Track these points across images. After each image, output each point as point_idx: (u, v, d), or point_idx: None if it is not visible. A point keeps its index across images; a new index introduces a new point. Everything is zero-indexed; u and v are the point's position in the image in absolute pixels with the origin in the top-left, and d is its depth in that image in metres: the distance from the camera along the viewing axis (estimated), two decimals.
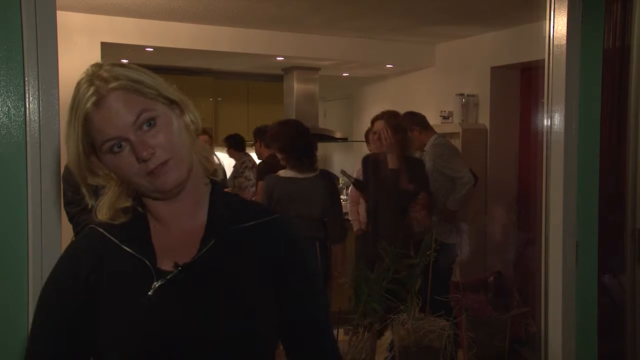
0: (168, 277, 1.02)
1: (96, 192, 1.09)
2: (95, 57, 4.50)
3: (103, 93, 0.99)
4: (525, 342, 2.76)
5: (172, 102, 1.05)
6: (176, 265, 1.03)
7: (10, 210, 1.59)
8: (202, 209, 1.09)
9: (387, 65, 5.93)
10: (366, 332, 2.22)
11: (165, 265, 1.04)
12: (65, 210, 2.99)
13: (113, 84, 0.99)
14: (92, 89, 0.99)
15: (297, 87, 5.99)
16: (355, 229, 4.70)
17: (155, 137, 0.99)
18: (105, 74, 1.00)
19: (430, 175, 3.85)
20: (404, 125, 3.57)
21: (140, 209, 1.09)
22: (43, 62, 1.59)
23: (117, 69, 1.01)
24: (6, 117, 1.58)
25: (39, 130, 1.60)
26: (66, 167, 2.94)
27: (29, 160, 1.59)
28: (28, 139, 1.59)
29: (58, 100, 1.63)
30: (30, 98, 1.59)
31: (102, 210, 1.08)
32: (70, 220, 3.05)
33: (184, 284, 1.02)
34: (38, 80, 1.59)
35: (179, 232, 1.08)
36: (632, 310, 2.37)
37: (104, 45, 4.54)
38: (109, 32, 4.53)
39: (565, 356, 2.25)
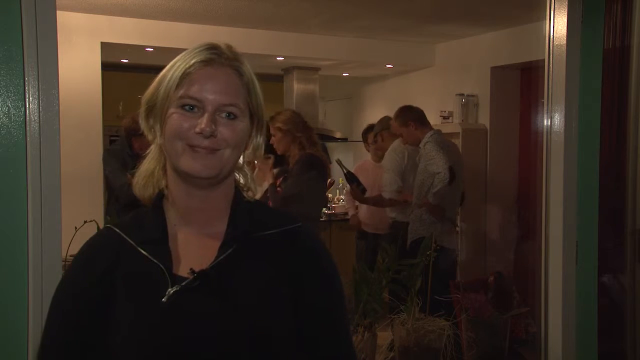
0: (183, 284, 1.00)
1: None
2: (95, 57, 4.51)
3: (217, 60, 1.00)
4: (525, 342, 2.76)
5: (256, 119, 1.06)
6: (192, 271, 1.01)
7: (10, 210, 1.59)
8: (224, 217, 1.07)
9: (387, 65, 5.93)
10: (366, 332, 2.22)
11: (182, 270, 1.02)
12: (120, 193, 3.46)
13: (232, 61, 1.01)
14: (210, 51, 1.00)
15: (297, 87, 5.98)
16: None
17: (224, 127, 1.00)
18: (227, 52, 1.02)
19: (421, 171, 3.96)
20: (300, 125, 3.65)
21: (163, 201, 1.08)
22: (43, 62, 1.59)
23: (241, 55, 1.03)
24: (6, 117, 1.58)
25: (39, 130, 1.60)
26: (105, 151, 3.83)
27: (29, 160, 1.59)
28: (28, 139, 1.59)
29: (58, 100, 1.63)
30: (30, 98, 1.59)
31: (137, 186, 1.10)
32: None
33: (199, 290, 1.00)
34: (38, 80, 1.59)
35: (197, 236, 1.06)
36: (632, 310, 2.37)
37: (104, 45, 4.53)
38: (109, 32, 4.52)
39: (565, 356, 2.25)
